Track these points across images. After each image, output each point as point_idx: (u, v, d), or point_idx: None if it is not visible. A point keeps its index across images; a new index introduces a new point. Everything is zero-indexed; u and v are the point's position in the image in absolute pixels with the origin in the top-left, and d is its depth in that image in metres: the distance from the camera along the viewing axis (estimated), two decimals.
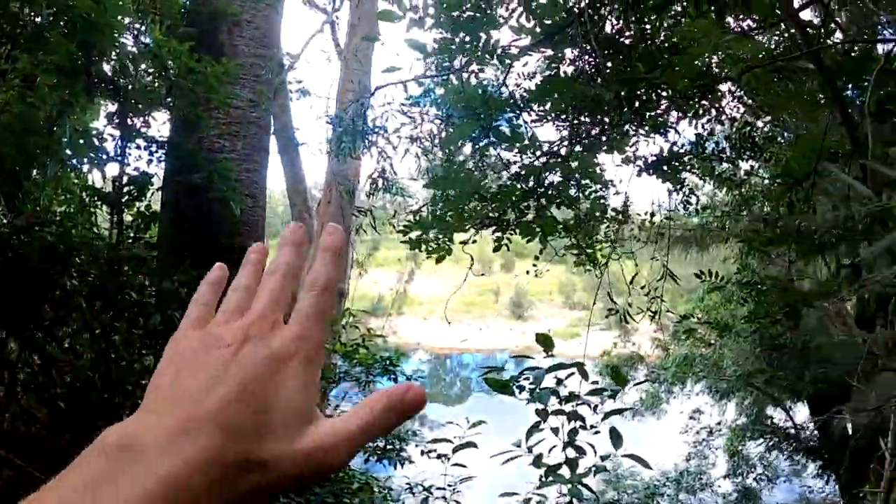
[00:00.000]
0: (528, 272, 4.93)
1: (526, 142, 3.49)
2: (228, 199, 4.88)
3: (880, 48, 4.03)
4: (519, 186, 3.25)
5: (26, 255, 3.77)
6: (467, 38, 3.40)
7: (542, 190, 3.31)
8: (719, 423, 13.91)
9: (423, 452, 5.63)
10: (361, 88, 9.25)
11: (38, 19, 3.93)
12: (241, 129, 5.52)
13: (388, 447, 6.00)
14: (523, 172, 3.36)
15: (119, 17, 4.11)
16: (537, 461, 3.19)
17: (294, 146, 11.23)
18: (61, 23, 3.85)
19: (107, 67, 4.61)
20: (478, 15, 3.32)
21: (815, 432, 12.74)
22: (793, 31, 4.40)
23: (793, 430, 13.05)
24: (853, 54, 3.93)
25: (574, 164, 3.57)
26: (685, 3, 4.00)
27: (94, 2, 3.57)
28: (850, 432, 11.10)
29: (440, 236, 3.57)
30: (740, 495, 12.79)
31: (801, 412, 13.34)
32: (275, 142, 10.91)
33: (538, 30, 3.77)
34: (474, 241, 3.57)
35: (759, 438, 13.01)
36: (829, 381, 9.43)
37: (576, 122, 3.76)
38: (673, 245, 7.25)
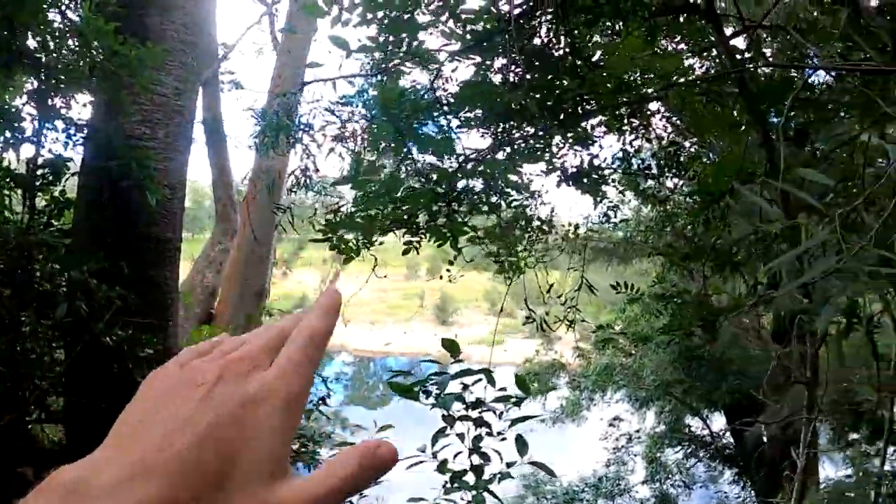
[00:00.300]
0: (441, 277, 4.94)
1: (452, 146, 3.49)
2: (145, 188, 4.74)
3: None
4: (430, 190, 3.24)
5: None
6: (391, 39, 3.38)
7: (454, 195, 3.31)
8: (638, 431, 14.28)
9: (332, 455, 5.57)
10: (294, 84, 9.11)
11: None
12: (164, 117, 5.37)
13: (302, 450, 5.92)
14: (435, 177, 3.35)
15: None
16: (442, 467, 3.18)
17: (221, 138, 10.94)
18: None
19: (31, 43, 4.43)
20: (404, 16, 3.30)
21: (731, 440, 13.20)
22: (723, 55, 4.53)
23: (709, 438, 13.50)
24: (774, 81, 4.08)
25: (494, 171, 3.57)
26: (618, 22, 4.08)
27: None
28: (765, 441, 11.54)
29: (360, 237, 3.54)
30: (658, 501, 13.14)
31: (718, 421, 13.81)
32: (203, 133, 10.66)
33: (468, 36, 3.77)
34: (381, 243, 3.54)
35: (677, 446, 13.42)
36: (743, 392, 9.78)
37: (500, 129, 3.78)
38: (596, 257, 7.41)
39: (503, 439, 3.19)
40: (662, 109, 5.68)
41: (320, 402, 5.87)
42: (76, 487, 0.40)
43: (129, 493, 0.39)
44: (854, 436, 12.24)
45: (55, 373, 4.71)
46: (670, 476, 13.41)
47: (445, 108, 3.56)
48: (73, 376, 4.73)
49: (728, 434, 13.32)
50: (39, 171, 4.67)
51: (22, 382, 4.22)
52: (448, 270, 4.64)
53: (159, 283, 5.29)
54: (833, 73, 3.97)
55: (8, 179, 4.67)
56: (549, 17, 3.88)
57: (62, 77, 4.47)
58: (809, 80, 4.14)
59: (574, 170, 4.07)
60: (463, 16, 3.37)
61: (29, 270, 4.28)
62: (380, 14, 3.48)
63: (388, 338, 31.39)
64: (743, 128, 4.07)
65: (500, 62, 3.98)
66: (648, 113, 5.43)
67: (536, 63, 3.82)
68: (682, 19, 4.30)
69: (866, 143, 3.01)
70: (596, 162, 4.24)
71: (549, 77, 3.69)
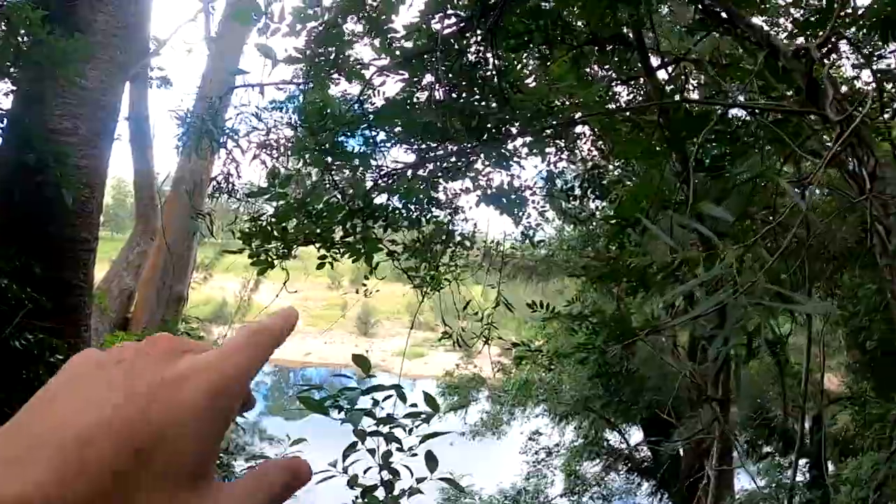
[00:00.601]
0: (357, 291, 4.94)
1: (369, 162, 3.50)
2: (61, 186, 4.57)
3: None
4: (345, 206, 3.24)
5: None
6: (319, 52, 3.37)
7: (370, 211, 3.33)
8: (558, 445, 14.51)
9: (250, 469, 5.46)
10: (223, 87, 8.94)
11: None
12: (88, 112, 5.20)
13: (216, 461, 5.77)
14: (350, 192, 3.36)
15: None
16: (352, 482, 3.17)
17: (146, 136, 10.58)
18: None
19: None
20: (332, 30, 3.31)
21: (649, 454, 13.57)
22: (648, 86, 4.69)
23: (627, 452, 13.84)
24: (693, 113, 4.25)
25: (413, 188, 3.60)
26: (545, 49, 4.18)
27: None
28: (681, 454, 11.91)
29: (278, 249, 3.51)
30: None
31: (636, 435, 14.17)
32: (128, 130, 10.30)
33: (398, 52, 3.80)
34: (295, 257, 3.52)
35: (596, 459, 13.70)
36: (660, 407, 10.08)
37: (423, 146, 3.81)
38: (516, 274, 7.53)
39: (414, 455, 3.20)
40: (588, 133, 5.84)
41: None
42: None
43: (12, 475, 0.35)
44: (767, 449, 12.78)
45: None
46: (589, 489, 13.67)
47: (369, 123, 3.58)
48: None
49: (645, 447, 13.69)
50: None
51: None
52: (364, 285, 4.63)
53: (73, 286, 5.10)
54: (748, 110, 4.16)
55: None
56: (479, 38, 3.95)
57: None
58: (729, 114, 4.32)
59: (493, 190, 4.14)
60: (386, 29, 3.40)
61: None
62: (309, 26, 3.48)
63: (309, 348, 30.98)
64: (662, 156, 4.21)
65: (428, 79, 4.02)
66: (574, 136, 5.57)
67: (463, 83, 3.88)
68: (609, 49, 4.43)
69: (777, 177, 3.17)
70: (516, 183, 4.32)
71: (475, 98, 3.75)
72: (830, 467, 10.22)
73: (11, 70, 4.51)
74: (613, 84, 5.30)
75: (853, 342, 9.74)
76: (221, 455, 5.74)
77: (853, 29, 4.37)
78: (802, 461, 11.35)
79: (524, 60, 4.79)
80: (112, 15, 5.33)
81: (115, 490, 0.35)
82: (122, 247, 10.98)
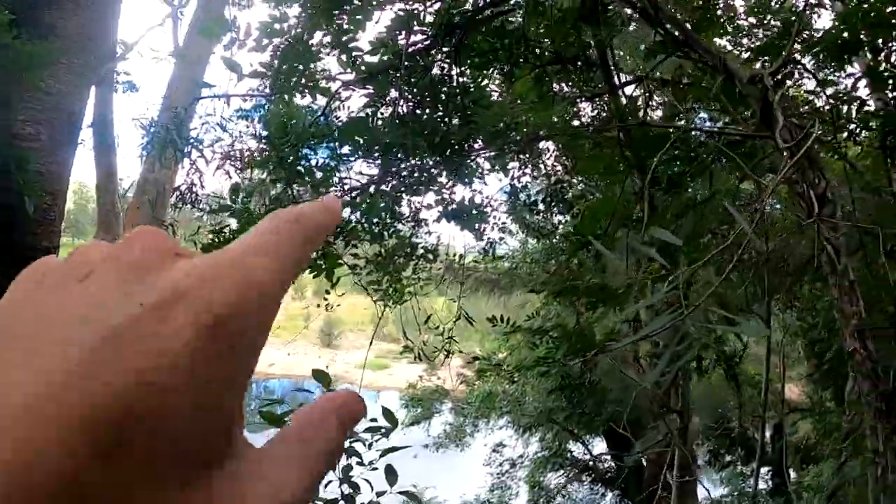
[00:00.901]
0: (318, 305, 4.94)
1: (329, 179, 3.53)
2: (23, 193, 4.51)
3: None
4: None
5: None
6: (285, 66, 3.40)
7: None
8: (521, 456, 14.54)
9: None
10: (188, 96, 8.86)
11: None
12: (52, 117, 5.11)
13: None
14: None
15: None
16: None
17: (110, 142, 10.42)
18: None
19: None
20: (298, 46, 3.33)
21: (612, 464, 13.69)
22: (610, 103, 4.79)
23: (591, 463, 13.94)
24: (652, 132, 4.35)
25: (374, 204, 3.64)
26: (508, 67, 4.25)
27: None
28: (644, 464, 12.05)
29: None
30: None
31: (599, 446, 14.28)
32: (91, 135, 10.17)
33: (363, 67, 3.84)
34: None
35: (560, 470, 13.76)
36: (621, 418, 10.20)
37: (385, 161, 3.85)
38: (479, 287, 7.60)
39: (374, 469, 3.22)
40: (552, 148, 5.93)
41: None
42: None
43: None
44: (729, 458, 12.99)
45: None
46: (552, 500, 13.72)
47: (332, 138, 3.61)
48: None
49: (609, 458, 13.81)
50: None
51: None
52: (325, 298, 4.64)
53: None
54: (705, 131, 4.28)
55: None
56: (444, 56, 4.00)
57: None
58: (689, 134, 4.43)
59: (455, 205, 4.20)
60: (351, 46, 3.43)
61: None
62: (276, 41, 3.50)
63: (271, 359, 30.62)
64: (622, 173, 4.31)
65: (393, 95, 4.07)
66: (538, 151, 5.65)
67: (428, 99, 3.93)
68: (572, 67, 4.51)
69: (724, 200, 3.27)
70: (478, 198, 4.38)
71: (438, 114, 3.80)
72: (792, 475, 10.41)
73: None
74: (578, 101, 5.39)
75: (812, 352, 9.95)
76: None
77: (815, 50, 4.52)
78: (764, 469, 11.59)
79: (489, 78, 4.86)
80: (79, 19, 5.26)
81: (73, 492, 0.23)
82: None
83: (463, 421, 14.37)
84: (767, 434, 11.07)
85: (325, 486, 3.28)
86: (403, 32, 3.79)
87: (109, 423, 0.23)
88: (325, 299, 4.49)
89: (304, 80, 3.51)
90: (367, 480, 3.27)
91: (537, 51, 4.23)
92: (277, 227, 0.30)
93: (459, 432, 14.58)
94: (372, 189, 3.71)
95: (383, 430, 3.09)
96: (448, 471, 14.28)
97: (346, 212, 3.67)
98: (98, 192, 10.78)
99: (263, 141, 3.49)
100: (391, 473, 3.18)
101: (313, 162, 3.61)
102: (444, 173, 4.02)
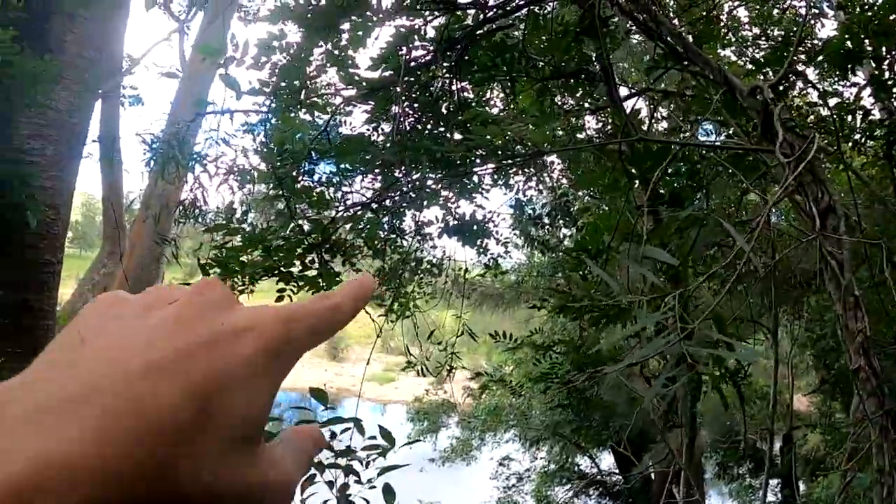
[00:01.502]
0: None
1: (325, 200, 3.52)
2: (26, 208, 4.53)
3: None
4: (301, 241, 3.26)
5: None
6: (284, 83, 3.40)
7: (328, 245, 3.34)
8: (528, 470, 14.43)
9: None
10: (193, 112, 8.90)
11: None
12: (56, 133, 5.14)
13: None
14: (309, 226, 3.38)
15: None
16: None
17: (116, 156, 10.51)
18: None
19: None
20: (296, 64, 3.33)
21: (620, 478, 13.59)
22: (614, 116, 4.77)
23: (599, 476, 13.83)
24: (653, 145, 4.33)
25: (375, 223, 3.63)
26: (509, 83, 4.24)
27: None
28: (652, 477, 11.96)
29: (242, 281, 3.50)
30: None
31: (607, 459, 14.17)
32: (98, 149, 10.25)
33: (364, 84, 3.84)
34: (252, 291, 3.51)
35: (567, 484, 13.66)
36: (629, 432, 10.13)
37: (387, 177, 3.84)
38: (484, 301, 7.57)
39: (372, 487, 3.19)
40: (556, 162, 5.91)
41: None
42: None
43: (55, 424, 0.27)
44: (738, 470, 12.89)
45: None
46: None
47: (330, 156, 3.61)
48: None
49: (616, 471, 13.71)
50: None
51: None
52: None
53: (36, 309, 5.04)
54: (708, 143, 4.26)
55: None
56: (444, 72, 4.00)
57: None
58: (691, 147, 4.41)
59: (456, 221, 4.18)
60: (349, 63, 3.43)
61: None
62: (274, 58, 3.50)
63: None
64: (625, 188, 4.28)
65: (395, 110, 4.06)
66: (542, 164, 5.63)
67: (429, 114, 3.92)
68: (574, 81, 4.50)
69: (721, 219, 3.24)
70: (479, 214, 4.37)
71: (439, 129, 3.80)
72: (802, 487, 10.31)
73: None
74: (581, 114, 5.37)
75: (820, 364, 9.89)
76: None
77: (818, 60, 4.50)
78: (774, 482, 11.49)
79: (491, 92, 4.85)
80: (86, 35, 5.28)
81: (170, 448, 0.29)
82: (89, 266, 10.91)
83: (469, 434, 14.26)
84: (776, 446, 10.99)
85: None
86: (404, 48, 3.80)
87: (202, 398, 0.31)
88: None
89: (303, 97, 3.51)
90: (365, 500, 3.24)
91: (539, 65, 4.23)
92: (314, 303, 0.40)
93: (466, 446, 14.48)
94: (374, 206, 3.70)
95: (380, 450, 3.06)
96: (454, 484, 14.19)
97: (346, 228, 3.66)
98: (104, 206, 10.94)
99: (265, 157, 3.49)
100: (389, 493, 3.15)
101: (315, 178, 3.62)
102: (446, 189, 4.01)
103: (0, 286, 4.53)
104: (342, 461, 3.05)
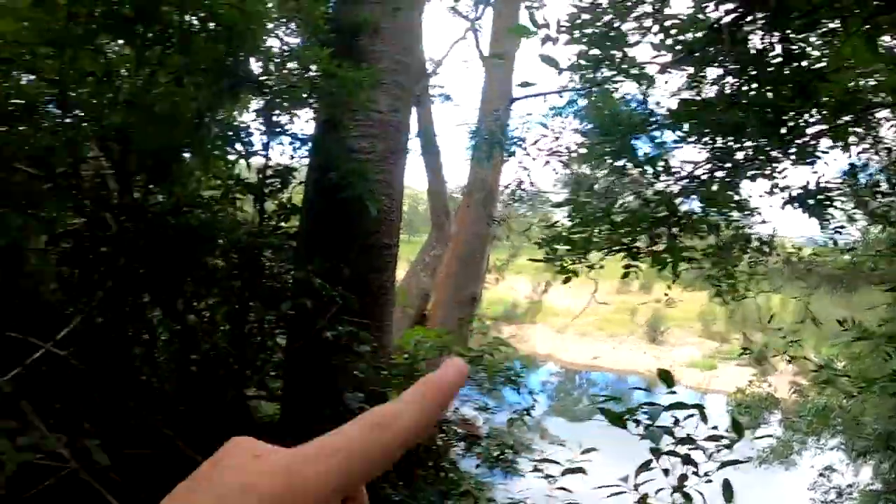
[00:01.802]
0: (658, 301, 4.69)
1: (660, 165, 3.31)
2: (365, 198, 5.03)
3: None
4: (649, 214, 3.07)
5: (174, 233, 4.06)
6: (601, 55, 3.28)
7: (676, 218, 3.11)
8: (851, 486, 12.56)
9: (534, 468, 5.49)
10: (503, 97, 9.26)
11: (192, 21, 4.19)
12: (381, 132, 5.66)
13: (501, 456, 5.95)
14: (655, 198, 3.18)
15: (263, 23, 4.34)
16: (642, 501, 3.01)
17: (435, 149, 11.62)
18: (210, 26, 4.11)
19: (256, 67, 4.89)
20: (611, 32, 3.19)
21: None
22: None
23: None
24: None
25: (714, 190, 3.34)
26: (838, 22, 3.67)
27: (238, 10, 3.79)
28: None
29: (574, 257, 3.47)
30: None
31: None
32: (418, 144, 11.41)
33: (678, 47, 3.58)
34: (601, 267, 3.42)
35: None
36: None
37: (717, 146, 3.53)
38: (819, 283, 6.67)
39: (709, 481, 2.96)
40: (891, 117, 5.01)
41: (524, 412, 5.89)
42: None
43: None
44: None
45: (275, 358, 5.18)
46: None
47: (659, 123, 3.40)
48: (294, 363, 5.19)
49: None
50: (268, 180, 5.13)
51: (246, 364, 4.67)
52: (666, 294, 4.39)
53: (378, 286, 5.61)
54: None
55: (240, 187, 5.15)
56: (761, 22, 3.58)
57: (285, 97, 4.88)
58: None
59: (800, 190, 3.71)
60: (668, 25, 3.19)
61: (257, 267, 4.70)
62: (588, 31, 3.40)
63: (597, 351, 30.62)
64: None
65: (713, 72, 3.75)
66: (875, 122, 4.80)
67: (753, 72, 3.53)
68: None
69: None
70: (822, 181, 3.83)
71: (767, 88, 3.39)
72: None
73: (309, 101, 5.07)
74: None
75: None
76: (506, 451, 5.90)
77: None
78: None
79: (812, 40, 4.25)
80: (391, 44, 5.75)
81: None
82: (418, 249, 12.30)
83: (791, 436, 12.84)
84: None
85: (657, 492, 3.10)
86: (713, 4, 3.48)
87: None
88: (667, 294, 4.30)
89: (620, 68, 3.36)
90: (700, 493, 3.02)
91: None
92: (422, 393, 0.41)
93: (786, 448, 13.06)
94: (704, 176, 3.42)
95: (727, 441, 2.81)
96: (766, 488, 12.95)
97: (684, 206, 3.43)
98: (430, 195, 12.22)
99: (586, 135, 3.40)
100: (728, 489, 2.90)
101: (639, 152, 3.44)
102: (781, 155, 3.58)
103: (347, 266, 5.06)
104: (682, 449, 2.87)
